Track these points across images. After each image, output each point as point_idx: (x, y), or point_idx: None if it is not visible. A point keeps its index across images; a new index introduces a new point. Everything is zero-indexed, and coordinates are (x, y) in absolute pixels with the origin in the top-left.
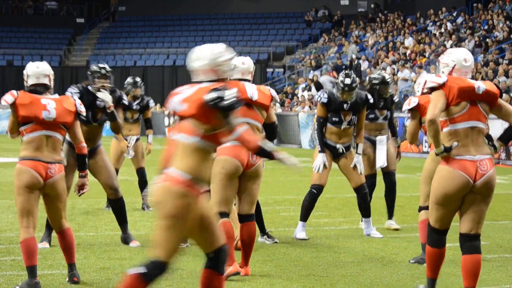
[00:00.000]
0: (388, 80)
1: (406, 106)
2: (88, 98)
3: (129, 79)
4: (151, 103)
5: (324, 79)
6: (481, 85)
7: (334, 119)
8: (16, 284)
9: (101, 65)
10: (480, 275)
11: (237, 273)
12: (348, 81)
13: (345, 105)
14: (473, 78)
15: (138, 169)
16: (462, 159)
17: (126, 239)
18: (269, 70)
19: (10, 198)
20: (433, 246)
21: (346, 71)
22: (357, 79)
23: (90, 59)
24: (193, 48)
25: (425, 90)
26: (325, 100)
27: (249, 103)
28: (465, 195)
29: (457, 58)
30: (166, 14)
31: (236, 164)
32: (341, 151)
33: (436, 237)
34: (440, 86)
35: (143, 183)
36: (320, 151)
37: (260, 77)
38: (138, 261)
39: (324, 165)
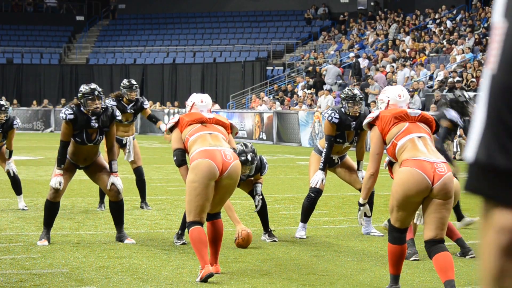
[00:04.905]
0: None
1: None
2: (82, 119)
3: (125, 82)
4: (146, 104)
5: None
6: (416, 111)
7: (338, 139)
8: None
9: (92, 86)
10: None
11: (211, 275)
12: (356, 91)
13: (352, 124)
14: (473, 76)
15: (135, 169)
16: (420, 159)
17: (121, 238)
18: (269, 68)
19: (10, 197)
20: (394, 243)
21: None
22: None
23: (90, 57)
24: (192, 46)
25: (368, 120)
26: (336, 121)
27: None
28: (425, 201)
29: (392, 94)
30: (166, 12)
31: (211, 165)
32: (336, 161)
33: (396, 235)
34: (375, 120)
35: (141, 182)
36: (321, 169)
37: (260, 76)
38: (137, 259)
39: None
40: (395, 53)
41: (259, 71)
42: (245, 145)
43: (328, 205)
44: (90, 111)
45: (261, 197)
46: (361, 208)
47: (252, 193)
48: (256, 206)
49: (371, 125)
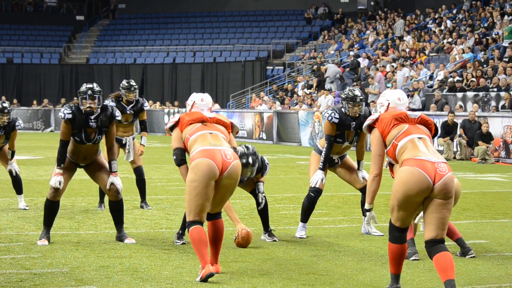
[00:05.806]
0: None
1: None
2: (80, 118)
3: (125, 83)
4: (146, 105)
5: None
6: (416, 113)
7: (338, 139)
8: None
9: (88, 85)
10: (480, 274)
11: (211, 275)
12: (357, 92)
13: (352, 124)
14: (473, 76)
15: (135, 168)
16: (421, 159)
17: (121, 238)
18: (269, 68)
19: (10, 196)
20: (394, 242)
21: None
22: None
23: (90, 56)
24: (192, 45)
25: (368, 122)
26: (336, 121)
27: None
28: (425, 201)
29: (391, 97)
30: (166, 12)
31: (211, 165)
32: (336, 161)
33: (397, 234)
34: (374, 122)
35: (141, 182)
36: (320, 168)
37: (260, 75)
38: (137, 259)
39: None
40: (395, 53)
41: (259, 70)
42: (247, 147)
43: (328, 205)
44: (84, 110)
45: (263, 195)
46: (367, 214)
47: (254, 192)
48: (259, 204)
49: (371, 127)
